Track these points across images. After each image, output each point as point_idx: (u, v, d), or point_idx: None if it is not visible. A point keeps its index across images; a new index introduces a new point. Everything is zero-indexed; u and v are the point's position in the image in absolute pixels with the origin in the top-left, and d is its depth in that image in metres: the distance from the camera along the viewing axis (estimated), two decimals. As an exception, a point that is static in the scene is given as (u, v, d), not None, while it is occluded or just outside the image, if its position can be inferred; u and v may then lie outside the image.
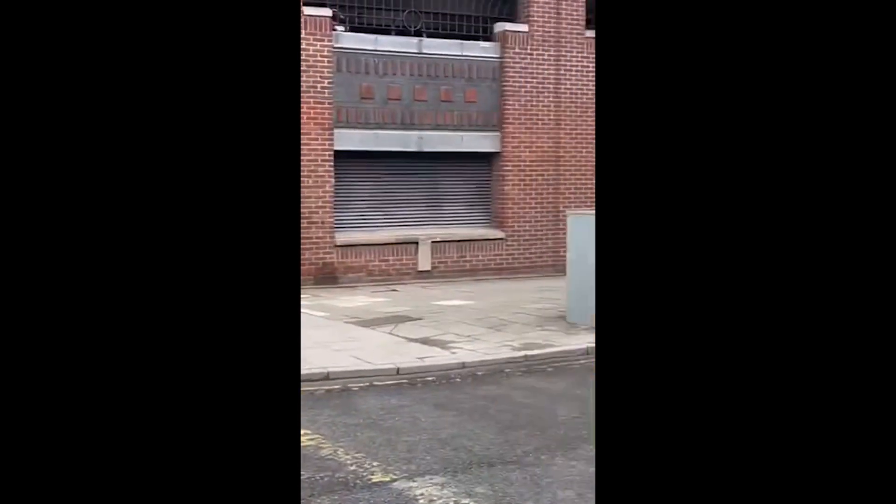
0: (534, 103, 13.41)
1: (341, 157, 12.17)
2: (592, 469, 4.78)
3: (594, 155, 13.93)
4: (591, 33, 13.76)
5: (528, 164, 13.42)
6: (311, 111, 11.82)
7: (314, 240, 12.00)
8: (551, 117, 13.55)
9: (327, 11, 11.94)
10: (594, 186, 13.94)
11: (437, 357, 7.65)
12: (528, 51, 13.31)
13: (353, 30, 12.41)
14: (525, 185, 13.44)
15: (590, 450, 5.13)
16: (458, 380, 7.14)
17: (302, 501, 4.22)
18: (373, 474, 4.76)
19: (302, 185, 11.62)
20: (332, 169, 12.02)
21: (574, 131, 13.75)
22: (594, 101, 13.83)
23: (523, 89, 13.31)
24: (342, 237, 12.29)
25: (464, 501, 4.35)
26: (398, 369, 7.24)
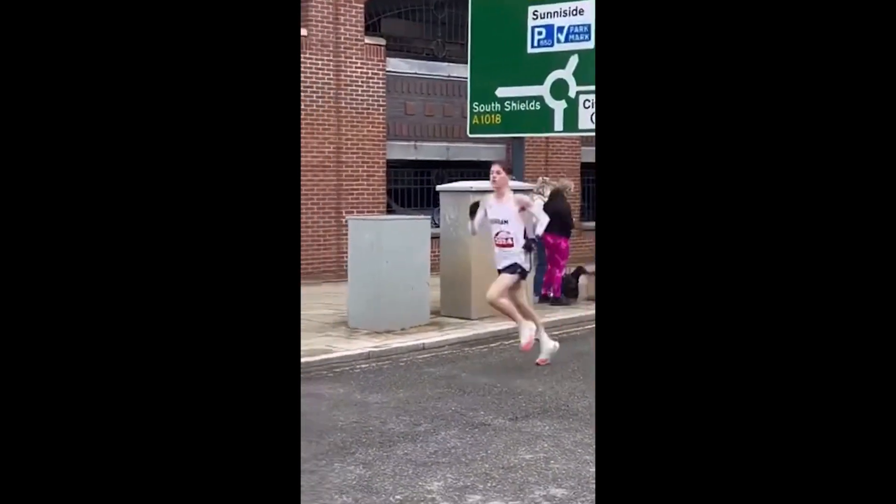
0: (314, 108, 13.32)
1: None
2: (369, 472, 4.81)
3: (375, 160, 13.99)
4: (370, 39, 13.86)
5: (309, 169, 13.31)
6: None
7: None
8: (332, 122, 13.52)
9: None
10: (375, 192, 14.00)
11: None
12: (307, 55, 13.21)
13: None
14: (307, 190, 13.31)
15: (370, 453, 5.14)
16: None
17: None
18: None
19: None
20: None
21: (356, 137, 13.78)
22: (377, 107, 13.88)
23: (303, 94, 13.18)
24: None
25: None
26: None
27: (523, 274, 7.67)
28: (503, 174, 7.69)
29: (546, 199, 10.82)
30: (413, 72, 14.71)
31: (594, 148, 17.35)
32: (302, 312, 10.17)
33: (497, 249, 7.70)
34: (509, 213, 7.60)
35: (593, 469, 4.86)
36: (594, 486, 4.58)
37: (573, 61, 11.31)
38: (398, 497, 4.46)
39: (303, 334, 8.88)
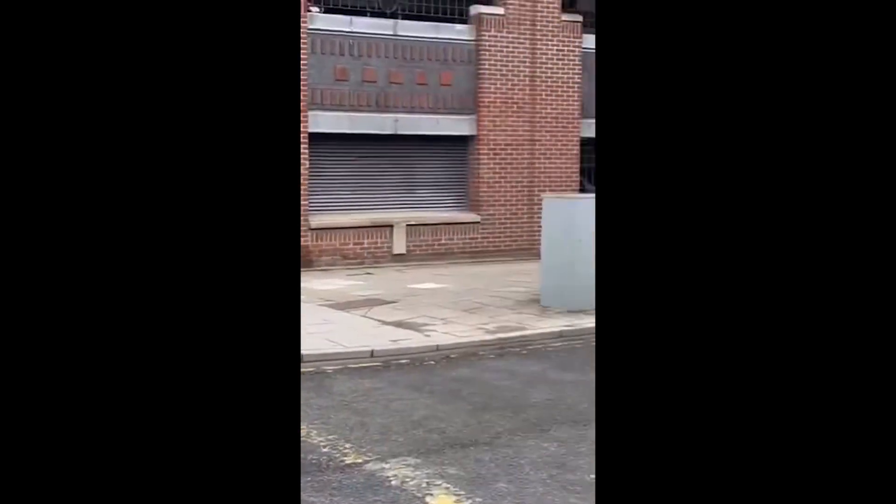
0: (509, 87, 13.38)
1: (316, 139, 12.08)
2: (564, 450, 4.81)
3: (569, 138, 13.90)
4: (567, 16, 13.74)
5: (502, 147, 13.40)
6: (288, 93, 11.75)
7: (288, 223, 11.85)
8: (526, 101, 13.53)
9: (303, -8, 11.94)
10: (568, 170, 13.93)
11: (412, 340, 7.64)
12: (504, 34, 13.25)
13: (327, 11, 12.30)
14: (500, 168, 13.42)
15: (565, 431, 5.15)
16: (432, 362, 7.12)
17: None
18: (346, 456, 4.74)
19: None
20: (306, 151, 11.91)
21: (549, 115, 13.73)
22: (569, 84, 13.78)
23: (499, 73, 13.26)
24: (316, 220, 12.22)
25: (436, 482, 4.35)
26: (372, 352, 7.23)
27: None
28: None
29: None
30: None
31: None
32: (494, 289, 10.39)
33: None
34: None
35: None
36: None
37: None
38: (593, 477, 4.44)
39: (495, 311, 9.01)
